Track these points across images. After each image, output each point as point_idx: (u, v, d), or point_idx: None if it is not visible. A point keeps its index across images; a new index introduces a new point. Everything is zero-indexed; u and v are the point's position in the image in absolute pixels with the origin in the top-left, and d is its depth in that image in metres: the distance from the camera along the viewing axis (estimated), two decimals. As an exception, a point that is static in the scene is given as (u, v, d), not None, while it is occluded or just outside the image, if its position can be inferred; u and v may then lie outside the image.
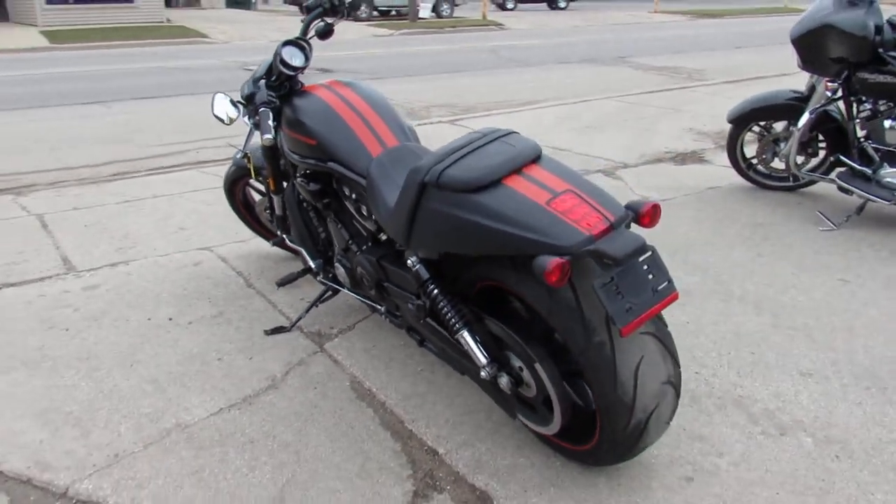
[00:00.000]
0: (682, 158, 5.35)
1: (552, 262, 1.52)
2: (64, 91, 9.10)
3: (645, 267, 1.61)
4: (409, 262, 2.01)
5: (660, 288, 1.61)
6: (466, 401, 2.28)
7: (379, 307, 2.40)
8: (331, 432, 2.15)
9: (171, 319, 2.84)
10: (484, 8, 22.47)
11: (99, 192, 4.63)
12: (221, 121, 2.46)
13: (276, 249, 3.46)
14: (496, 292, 1.96)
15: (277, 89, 2.50)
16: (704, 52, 12.99)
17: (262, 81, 2.47)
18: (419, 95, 8.62)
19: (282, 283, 2.87)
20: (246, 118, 2.61)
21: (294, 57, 2.48)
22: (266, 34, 18.41)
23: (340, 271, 2.50)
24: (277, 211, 2.83)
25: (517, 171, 1.75)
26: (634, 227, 1.71)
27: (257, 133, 2.44)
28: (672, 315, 2.79)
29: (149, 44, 15.67)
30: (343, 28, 20.50)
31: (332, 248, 2.63)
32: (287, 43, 2.48)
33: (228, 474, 1.96)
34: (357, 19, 23.07)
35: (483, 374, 1.89)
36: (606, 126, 6.49)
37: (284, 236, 2.91)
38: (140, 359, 2.55)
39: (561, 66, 11.50)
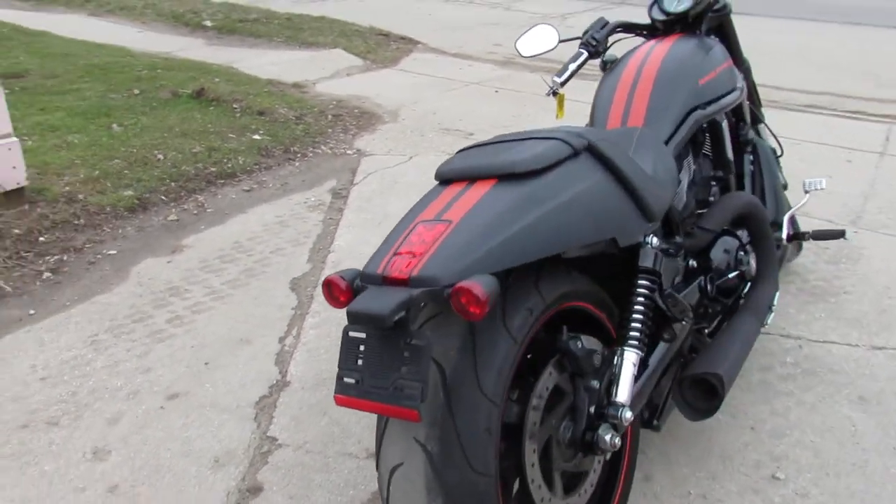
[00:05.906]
0: None
1: (327, 277, 1.26)
2: None
3: (404, 354, 1.15)
4: None
5: (399, 390, 1.13)
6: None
7: None
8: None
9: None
10: None
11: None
12: (518, 52, 2.33)
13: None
14: None
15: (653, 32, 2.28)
16: None
17: (610, 23, 2.22)
18: None
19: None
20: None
21: (679, 2, 2.16)
22: None
23: None
24: None
25: (467, 181, 1.42)
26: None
27: None
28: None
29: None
30: None
31: None
32: None
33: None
34: None
35: None
36: None
37: None
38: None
39: None
